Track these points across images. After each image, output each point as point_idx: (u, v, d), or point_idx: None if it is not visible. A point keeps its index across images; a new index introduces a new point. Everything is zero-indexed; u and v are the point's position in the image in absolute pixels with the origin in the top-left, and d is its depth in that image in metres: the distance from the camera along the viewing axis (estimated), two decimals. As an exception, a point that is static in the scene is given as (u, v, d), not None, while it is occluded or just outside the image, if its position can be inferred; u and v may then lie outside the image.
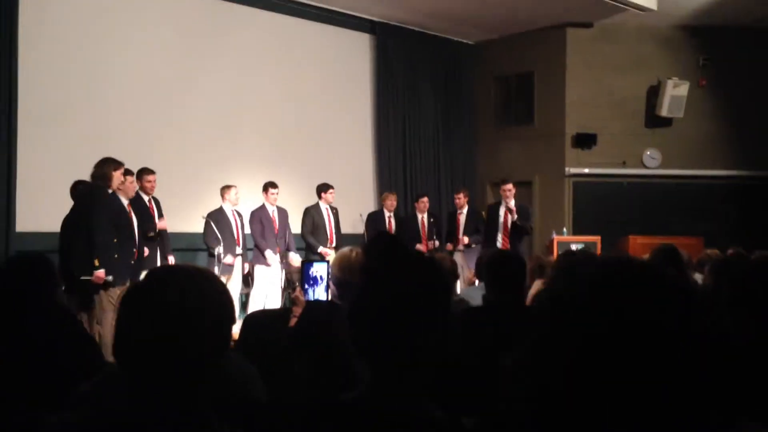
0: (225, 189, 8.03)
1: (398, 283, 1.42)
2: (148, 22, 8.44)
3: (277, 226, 8.22)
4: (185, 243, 8.09)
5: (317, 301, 2.98)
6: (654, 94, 10.57)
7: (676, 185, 10.65)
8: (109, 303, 5.62)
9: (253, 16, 9.36)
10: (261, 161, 9.15)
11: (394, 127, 10.79)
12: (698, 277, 4.98)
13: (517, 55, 11.15)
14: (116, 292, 5.69)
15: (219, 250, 7.70)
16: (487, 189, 11.41)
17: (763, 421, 1.30)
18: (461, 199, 9.35)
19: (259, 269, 8.17)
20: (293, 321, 2.96)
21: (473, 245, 8.97)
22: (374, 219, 9.15)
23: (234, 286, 7.69)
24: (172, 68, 8.60)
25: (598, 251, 8.92)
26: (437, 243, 9.16)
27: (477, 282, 5.72)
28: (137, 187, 7.01)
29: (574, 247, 8.86)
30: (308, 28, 9.88)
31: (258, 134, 9.30)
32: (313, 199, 8.75)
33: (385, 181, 10.55)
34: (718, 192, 10.66)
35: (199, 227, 7.90)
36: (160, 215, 7.43)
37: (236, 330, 2.75)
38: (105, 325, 5.47)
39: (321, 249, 8.38)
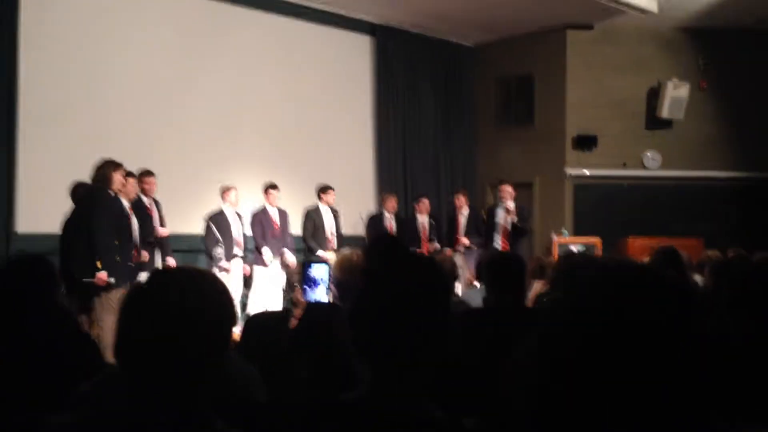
0: (225, 190, 8.03)
1: (398, 283, 1.43)
2: (148, 22, 8.45)
3: (277, 228, 8.22)
4: (186, 245, 8.08)
5: (317, 303, 2.99)
6: (654, 95, 10.57)
7: (676, 187, 10.66)
8: (109, 305, 5.61)
9: (254, 17, 9.37)
10: (261, 162, 9.15)
11: (394, 129, 10.79)
12: (698, 278, 4.98)
13: (517, 57, 11.16)
14: (117, 294, 5.69)
15: (219, 252, 7.70)
16: (487, 190, 11.41)
17: (763, 421, 1.30)
18: (461, 200, 9.35)
19: (258, 270, 8.17)
20: (294, 322, 2.96)
21: (473, 246, 8.97)
22: (374, 221, 9.15)
23: (234, 287, 7.68)
24: (172, 68, 8.61)
25: (598, 253, 8.93)
26: (437, 246, 9.16)
27: (476, 283, 5.72)
28: (138, 190, 7.01)
29: (574, 248, 8.87)
30: (308, 30, 9.88)
31: (258, 135, 9.30)
32: (312, 200, 8.74)
33: (385, 183, 10.55)
34: (719, 193, 10.66)
35: (199, 228, 7.90)
36: (161, 220, 7.39)
37: (237, 332, 2.76)
38: (105, 327, 5.46)
39: (320, 253, 8.37)
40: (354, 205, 9.64)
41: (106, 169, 5.89)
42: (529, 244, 9.28)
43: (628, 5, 9.59)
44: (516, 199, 8.97)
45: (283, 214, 8.36)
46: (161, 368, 1.28)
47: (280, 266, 8.29)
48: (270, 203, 8.27)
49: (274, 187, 8.27)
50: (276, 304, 8.10)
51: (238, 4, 9.19)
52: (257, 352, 2.77)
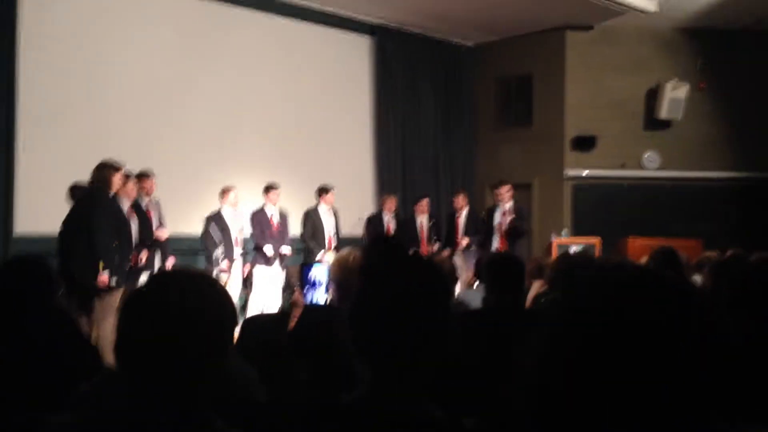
0: (224, 191, 8.03)
1: (398, 283, 1.43)
2: (148, 23, 8.45)
3: (275, 228, 8.22)
4: (185, 245, 8.08)
5: (315, 304, 2.99)
6: (653, 96, 10.58)
7: (675, 187, 10.67)
8: (109, 306, 5.60)
9: (253, 18, 9.38)
10: (261, 162, 9.15)
11: (393, 129, 10.79)
12: (697, 278, 4.98)
13: (516, 57, 11.17)
14: (116, 296, 5.69)
15: (218, 253, 7.69)
16: (486, 191, 11.41)
17: (763, 421, 1.30)
18: (460, 201, 9.35)
19: (258, 271, 8.17)
20: (292, 323, 2.96)
21: (472, 246, 8.97)
22: (374, 221, 9.14)
23: (233, 288, 7.68)
24: (172, 69, 8.61)
25: (598, 253, 8.93)
26: (436, 247, 9.15)
27: (475, 284, 5.72)
28: (137, 192, 6.99)
29: (573, 248, 8.87)
30: (308, 31, 9.89)
31: (258, 136, 9.31)
32: (312, 200, 8.74)
33: (384, 183, 10.56)
34: (717, 194, 10.67)
35: (199, 229, 7.89)
36: (161, 220, 7.39)
37: (235, 333, 2.75)
38: (104, 328, 5.46)
39: (319, 255, 8.36)
40: (353, 205, 9.65)
41: (106, 170, 5.89)
42: (528, 245, 9.27)
43: (628, 6, 9.59)
44: (514, 200, 8.96)
45: (282, 214, 8.35)
46: (161, 369, 1.28)
47: (279, 267, 8.29)
48: (270, 203, 8.26)
49: (274, 187, 8.27)
50: (275, 304, 8.10)
51: (237, 4, 9.19)
52: (255, 354, 2.77)
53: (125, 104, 8.19)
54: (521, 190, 10.02)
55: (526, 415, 0.86)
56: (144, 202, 7.13)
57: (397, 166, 10.84)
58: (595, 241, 9.27)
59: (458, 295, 5.05)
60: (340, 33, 10.30)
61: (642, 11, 9.75)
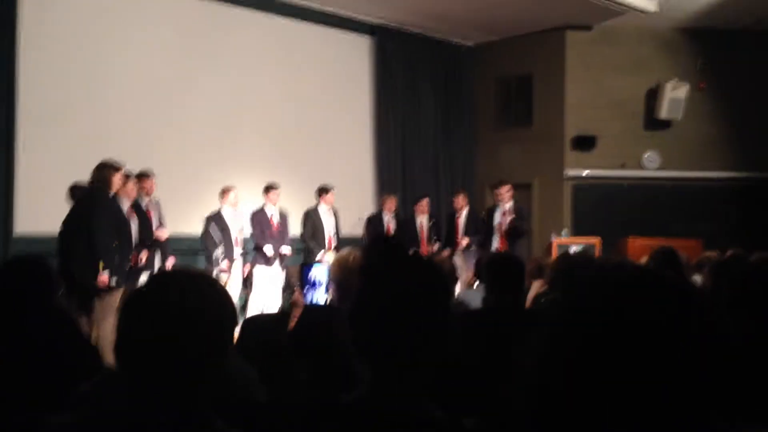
0: (224, 191, 8.03)
1: (398, 283, 1.43)
2: (148, 23, 8.45)
3: (275, 228, 8.22)
4: (185, 245, 8.08)
5: (315, 304, 2.99)
6: (653, 96, 10.58)
7: (675, 187, 10.67)
8: (109, 306, 5.60)
9: (253, 18, 9.38)
10: (261, 162, 9.15)
11: (393, 129, 10.79)
12: (697, 278, 4.98)
13: (516, 57, 11.17)
14: (116, 296, 5.69)
15: (218, 253, 7.69)
16: (486, 191, 11.42)
17: (763, 421, 1.30)
18: (460, 201, 9.35)
19: (258, 271, 8.17)
20: (292, 323, 2.96)
21: (472, 246, 8.97)
22: (374, 221, 9.14)
23: (233, 289, 7.68)
24: (172, 69, 8.61)
25: (598, 253, 8.92)
26: (436, 247, 9.15)
27: (475, 284, 5.72)
28: (137, 192, 6.99)
29: (573, 248, 8.87)
30: (308, 31, 9.89)
31: (258, 135, 9.31)
32: (312, 200, 8.74)
33: (384, 183, 10.56)
34: (717, 194, 10.67)
35: (199, 229, 7.89)
36: (161, 222, 7.38)
37: (235, 333, 2.75)
38: (104, 328, 5.46)
39: (319, 255, 8.36)
40: (353, 205, 9.65)
41: (106, 170, 5.89)
42: (528, 245, 9.27)
43: (628, 6, 9.59)
44: (514, 200, 8.96)
45: (282, 214, 8.35)
46: (161, 368, 1.28)
47: (279, 267, 8.28)
48: (270, 203, 8.26)
49: (274, 187, 8.27)
50: (275, 304, 8.09)
51: (237, 4, 9.19)
52: (255, 354, 2.77)
53: (125, 104, 8.19)
54: (521, 190, 10.02)
55: (526, 415, 0.86)
56: (144, 202, 7.13)
57: (397, 166, 10.84)
58: (595, 241, 9.27)
59: (458, 295, 5.05)
60: (340, 33, 10.30)
61: (642, 11, 9.75)
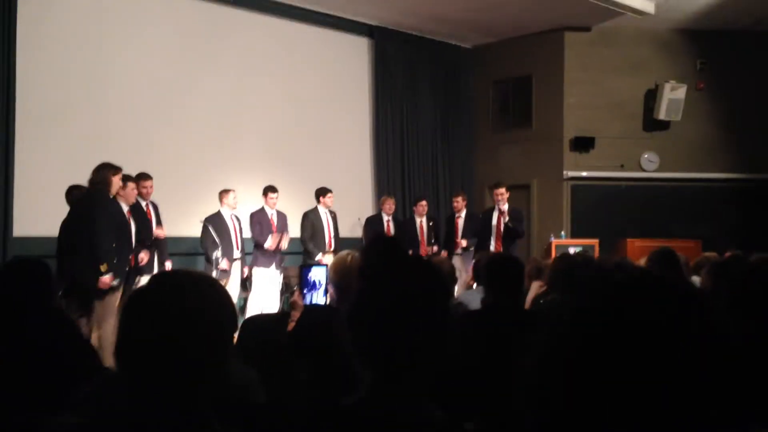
0: (223, 193, 8.02)
1: (397, 285, 1.43)
2: (147, 23, 8.45)
3: (275, 230, 8.21)
4: (184, 247, 8.07)
5: (315, 305, 2.99)
6: (652, 97, 10.59)
7: (674, 188, 10.67)
8: (109, 307, 5.60)
9: (253, 19, 9.38)
10: (260, 164, 9.15)
11: (392, 131, 10.80)
12: (696, 279, 4.98)
13: (515, 59, 11.17)
14: (116, 297, 5.68)
15: (217, 254, 7.69)
16: (485, 192, 11.42)
17: (763, 421, 1.30)
18: (459, 202, 9.35)
19: (257, 272, 8.16)
20: (291, 325, 2.96)
21: (470, 248, 8.96)
22: (373, 223, 9.14)
23: (232, 290, 7.67)
24: (172, 70, 8.61)
25: (596, 254, 8.92)
26: (435, 248, 9.14)
27: (474, 285, 5.71)
28: (136, 193, 6.99)
29: (572, 250, 8.87)
30: (307, 33, 9.89)
31: (257, 137, 9.31)
32: (311, 202, 8.74)
33: (383, 185, 10.56)
34: (716, 195, 10.67)
35: (198, 231, 7.89)
36: (158, 222, 7.38)
37: (235, 334, 2.75)
38: (105, 330, 5.45)
39: (318, 257, 8.35)
40: (352, 207, 9.65)
41: (105, 172, 5.89)
42: (526, 246, 9.27)
43: (626, 7, 9.60)
44: (510, 201, 8.94)
45: (281, 216, 8.35)
46: (161, 369, 1.28)
47: (278, 269, 8.28)
48: (269, 206, 8.26)
49: (273, 189, 8.27)
50: (274, 306, 8.09)
51: (237, 6, 9.19)
52: (255, 354, 2.77)
53: (125, 105, 8.18)
54: (520, 191, 10.02)
55: (526, 416, 0.86)
56: (143, 204, 7.14)
57: (396, 167, 10.84)
58: (593, 242, 9.27)
59: (457, 296, 5.05)
60: (339, 34, 10.31)
61: (640, 12, 9.75)
